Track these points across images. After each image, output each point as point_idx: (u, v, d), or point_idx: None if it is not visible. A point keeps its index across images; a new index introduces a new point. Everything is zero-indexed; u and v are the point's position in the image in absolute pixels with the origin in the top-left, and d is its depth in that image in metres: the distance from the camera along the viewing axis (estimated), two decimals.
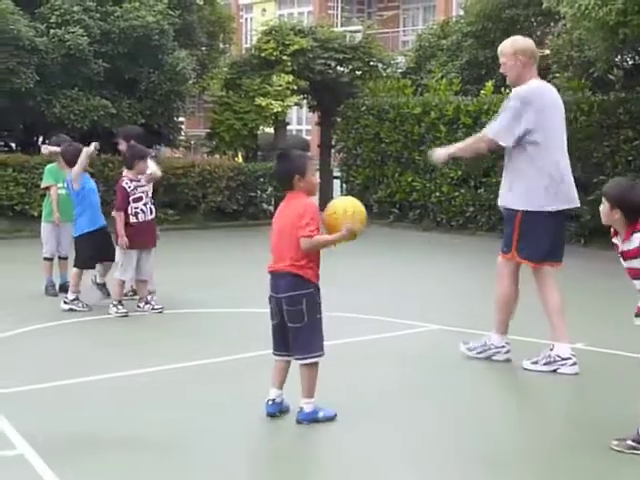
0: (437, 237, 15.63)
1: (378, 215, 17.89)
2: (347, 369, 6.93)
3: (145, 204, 8.98)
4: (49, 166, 10.30)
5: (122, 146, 9.73)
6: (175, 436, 5.47)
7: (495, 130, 7.15)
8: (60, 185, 9.95)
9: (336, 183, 20.28)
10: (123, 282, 9.03)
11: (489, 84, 16.61)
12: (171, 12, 17.19)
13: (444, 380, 6.83)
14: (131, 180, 8.96)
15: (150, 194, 9.17)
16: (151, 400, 6.23)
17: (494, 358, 7.31)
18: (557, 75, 16.27)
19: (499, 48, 7.33)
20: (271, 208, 18.50)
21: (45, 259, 10.11)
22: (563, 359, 6.97)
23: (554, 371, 6.94)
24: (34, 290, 9.90)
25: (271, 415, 5.72)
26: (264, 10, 43.80)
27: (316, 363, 5.63)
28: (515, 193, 7.12)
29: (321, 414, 5.67)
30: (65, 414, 5.88)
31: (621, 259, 5.29)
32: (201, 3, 19.92)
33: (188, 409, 6.00)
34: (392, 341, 8.09)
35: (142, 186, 8.99)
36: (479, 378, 6.94)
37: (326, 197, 20.47)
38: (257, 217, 18.07)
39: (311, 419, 5.63)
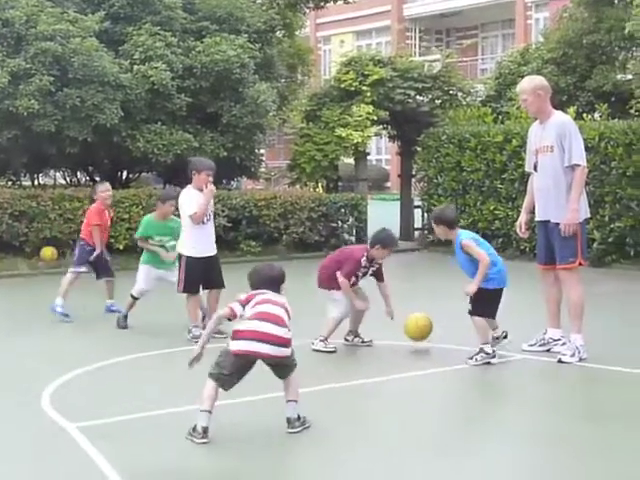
0: (521, 266, 15.35)
1: None
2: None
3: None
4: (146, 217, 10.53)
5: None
6: (270, 469, 5.45)
7: (584, 156, 8.19)
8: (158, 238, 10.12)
9: (417, 213, 20.21)
10: (334, 319, 9.04)
11: (571, 110, 16.41)
12: (251, 46, 17.43)
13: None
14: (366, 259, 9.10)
15: None
16: (246, 432, 6.20)
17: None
18: None
19: (518, 87, 8.61)
20: (352, 238, 18.46)
21: (131, 296, 10.17)
22: (555, 340, 8.54)
23: (548, 350, 8.44)
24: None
25: None
26: (342, 42, 44.16)
27: None
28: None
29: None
30: (157, 445, 5.90)
31: None
32: (280, 36, 20.14)
33: (284, 442, 5.98)
34: (493, 370, 8.08)
35: (366, 267, 9.13)
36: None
37: (407, 226, 20.44)
38: (339, 248, 18.00)
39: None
